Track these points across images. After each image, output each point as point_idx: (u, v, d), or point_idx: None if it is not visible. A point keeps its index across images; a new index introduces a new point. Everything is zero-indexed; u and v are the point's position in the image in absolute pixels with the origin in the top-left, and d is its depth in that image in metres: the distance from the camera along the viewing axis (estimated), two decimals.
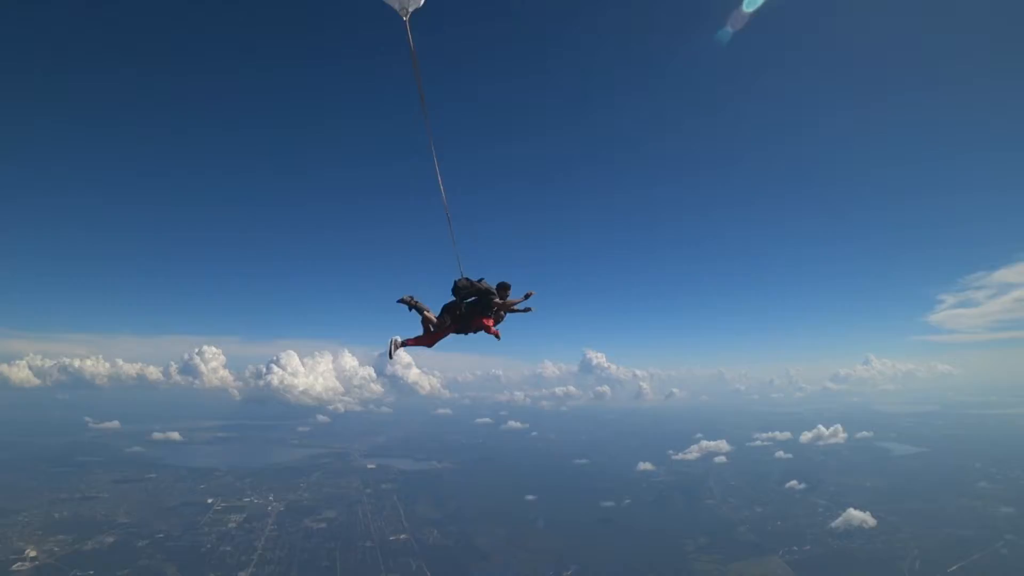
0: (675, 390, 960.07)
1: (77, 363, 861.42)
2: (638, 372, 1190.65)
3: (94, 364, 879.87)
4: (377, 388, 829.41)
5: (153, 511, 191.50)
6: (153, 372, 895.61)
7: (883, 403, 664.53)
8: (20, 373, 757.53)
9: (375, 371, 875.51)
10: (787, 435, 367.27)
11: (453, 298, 20.99)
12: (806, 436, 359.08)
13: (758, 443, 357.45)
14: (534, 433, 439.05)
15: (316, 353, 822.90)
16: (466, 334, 21.20)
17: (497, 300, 20.76)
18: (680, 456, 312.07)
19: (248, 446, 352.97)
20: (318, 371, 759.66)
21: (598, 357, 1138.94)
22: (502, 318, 21.55)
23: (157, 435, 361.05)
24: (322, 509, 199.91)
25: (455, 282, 20.61)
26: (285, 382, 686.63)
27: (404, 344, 20.97)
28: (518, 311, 22.04)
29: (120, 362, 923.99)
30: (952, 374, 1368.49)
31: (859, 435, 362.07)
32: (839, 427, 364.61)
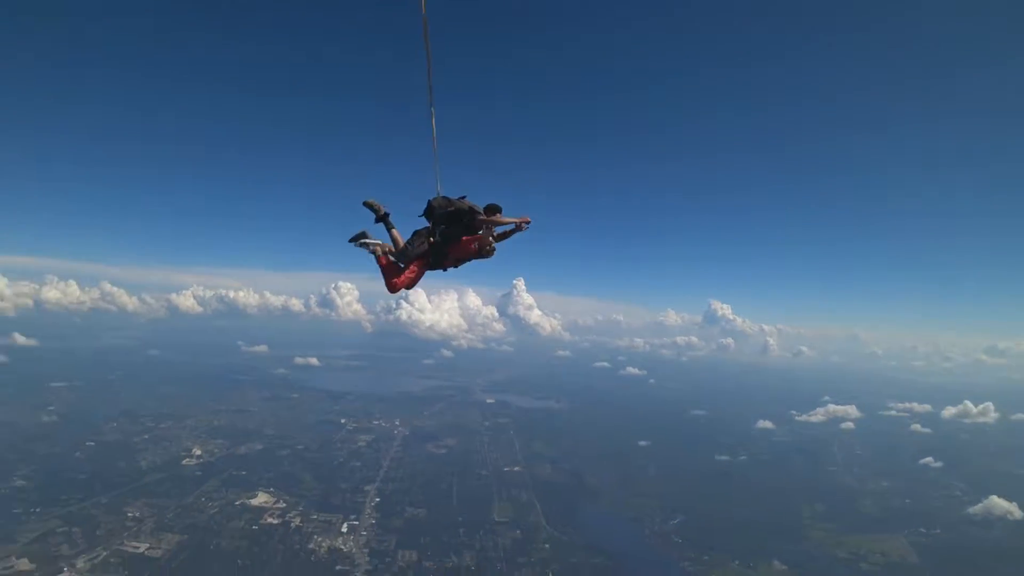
0: (804, 348, 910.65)
1: (232, 294, 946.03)
2: (765, 327, 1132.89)
3: (246, 295, 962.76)
4: (499, 327, 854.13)
5: (294, 426, 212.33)
6: (296, 304, 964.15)
7: None
8: (186, 302, 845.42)
9: (498, 311, 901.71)
10: (927, 408, 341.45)
11: (427, 228, 17.59)
12: (949, 411, 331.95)
13: (892, 413, 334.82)
14: (652, 381, 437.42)
15: (442, 291, 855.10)
16: (444, 269, 17.73)
17: (483, 218, 17.09)
18: (804, 418, 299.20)
19: (378, 374, 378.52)
20: (444, 308, 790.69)
21: (724, 309, 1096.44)
22: (490, 245, 17.52)
23: (299, 360, 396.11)
24: (443, 437, 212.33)
25: (429, 203, 17.25)
26: (413, 317, 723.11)
27: (375, 254, 17.49)
28: (505, 236, 17.96)
29: (268, 294, 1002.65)
30: None
31: (1015, 417, 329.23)
32: (990, 405, 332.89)
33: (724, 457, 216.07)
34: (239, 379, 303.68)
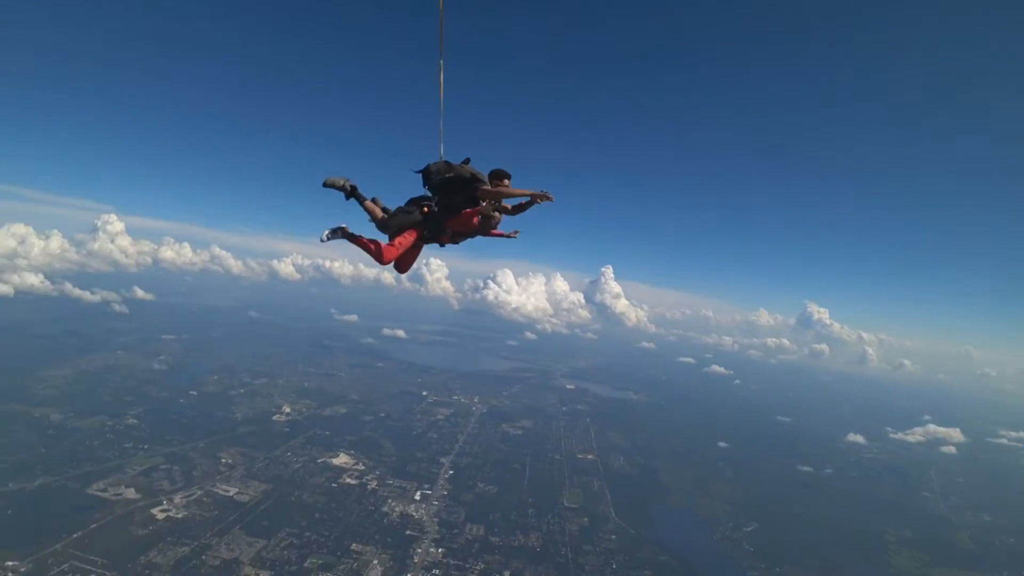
0: (906, 362, 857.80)
1: (328, 264, 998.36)
2: (865, 335, 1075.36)
3: (341, 266, 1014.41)
4: (584, 314, 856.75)
5: (378, 394, 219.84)
6: (387, 277, 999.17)
7: None
8: (286, 268, 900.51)
9: (584, 297, 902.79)
10: None
11: (422, 195, 15.53)
12: None
13: (1003, 441, 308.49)
14: (737, 381, 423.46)
15: (530, 274, 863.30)
16: (441, 244, 15.63)
17: (486, 188, 14.77)
18: (899, 436, 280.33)
19: (461, 351, 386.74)
20: (530, 291, 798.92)
21: (820, 312, 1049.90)
22: (495, 220, 15.69)
23: (387, 331, 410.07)
24: (520, 418, 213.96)
25: (427, 167, 15.03)
26: (500, 298, 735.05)
27: (350, 237, 15.15)
28: (521, 208, 15.95)
29: (362, 266, 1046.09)
30: None
31: None
32: None
33: (807, 468, 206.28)
34: (329, 345, 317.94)
